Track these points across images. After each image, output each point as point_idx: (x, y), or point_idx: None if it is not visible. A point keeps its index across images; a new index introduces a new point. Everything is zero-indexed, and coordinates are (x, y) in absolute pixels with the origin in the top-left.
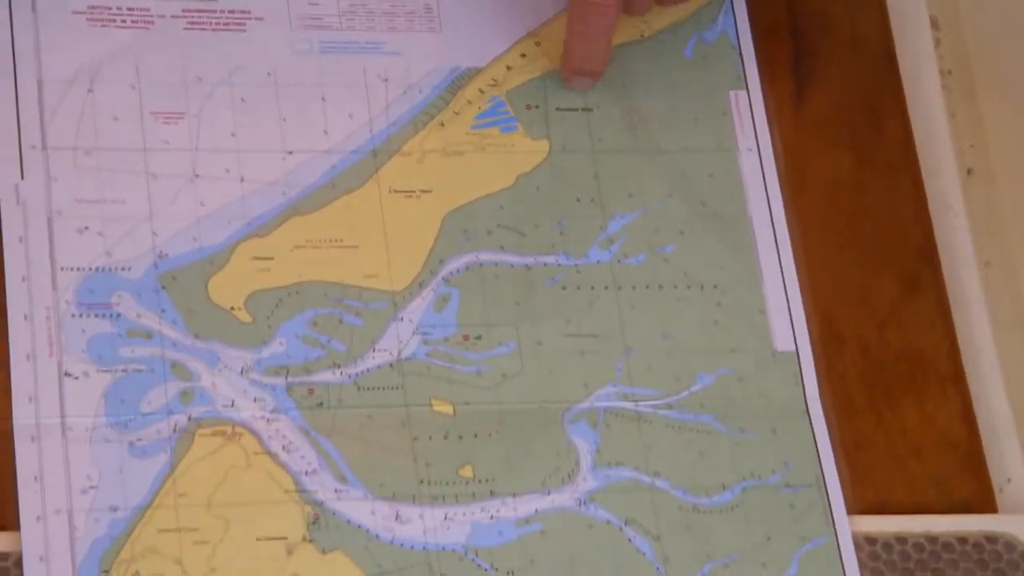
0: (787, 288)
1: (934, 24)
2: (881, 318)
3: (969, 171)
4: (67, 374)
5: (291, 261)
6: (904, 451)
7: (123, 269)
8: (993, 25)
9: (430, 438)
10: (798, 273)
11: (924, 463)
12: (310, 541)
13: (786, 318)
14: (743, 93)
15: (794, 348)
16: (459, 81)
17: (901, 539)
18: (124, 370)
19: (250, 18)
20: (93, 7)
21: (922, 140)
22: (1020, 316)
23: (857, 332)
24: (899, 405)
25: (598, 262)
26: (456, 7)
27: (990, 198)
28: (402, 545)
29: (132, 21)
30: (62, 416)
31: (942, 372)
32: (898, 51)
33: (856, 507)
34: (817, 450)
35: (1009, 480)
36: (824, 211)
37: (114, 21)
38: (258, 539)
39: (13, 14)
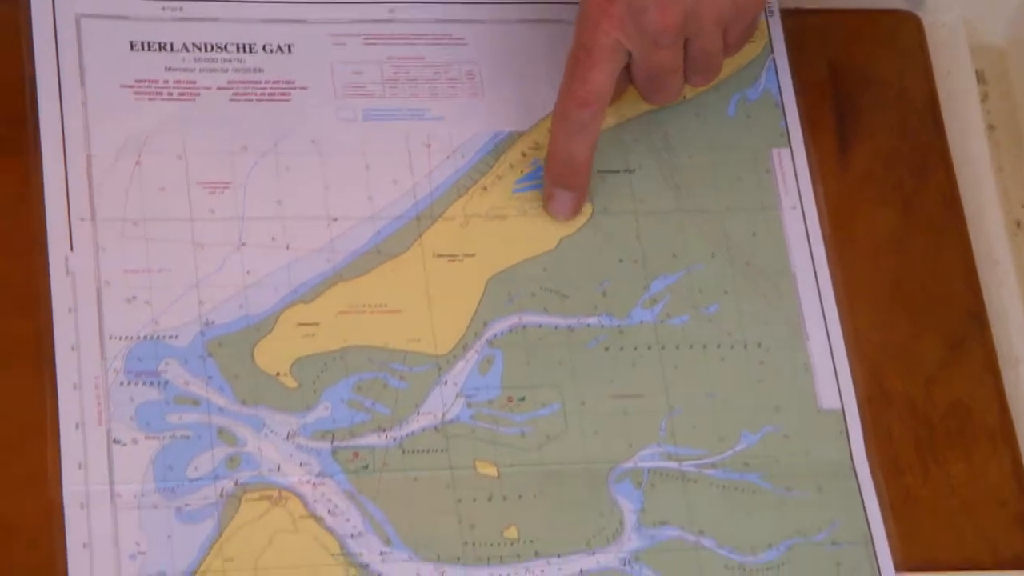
0: (832, 346)
1: (980, 78)
2: (928, 375)
3: (1019, 223)
4: (115, 441)
5: (336, 326)
6: (952, 508)
7: (170, 337)
8: None
9: (474, 500)
10: (843, 330)
11: (972, 519)
12: None
13: (831, 376)
14: (786, 151)
15: (840, 406)
16: (502, 145)
17: None
18: (172, 436)
19: (295, 87)
20: (140, 80)
21: (968, 195)
22: None
23: (904, 389)
24: (947, 461)
25: (641, 323)
26: (498, 72)
27: None
28: None
29: (179, 93)
30: (111, 483)
31: (991, 428)
32: (943, 105)
33: (904, 564)
34: (864, 507)
35: None
36: (869, 268)
37: (160, 94)
38: None
39: (62, 88)
